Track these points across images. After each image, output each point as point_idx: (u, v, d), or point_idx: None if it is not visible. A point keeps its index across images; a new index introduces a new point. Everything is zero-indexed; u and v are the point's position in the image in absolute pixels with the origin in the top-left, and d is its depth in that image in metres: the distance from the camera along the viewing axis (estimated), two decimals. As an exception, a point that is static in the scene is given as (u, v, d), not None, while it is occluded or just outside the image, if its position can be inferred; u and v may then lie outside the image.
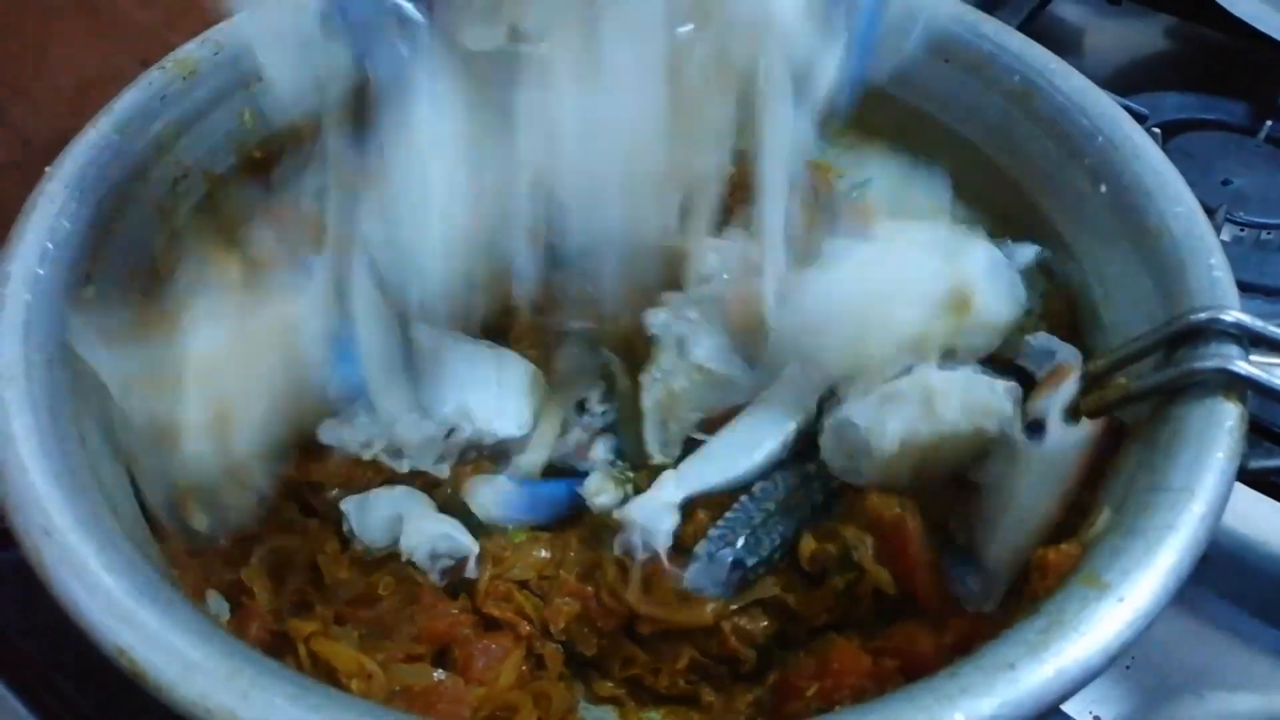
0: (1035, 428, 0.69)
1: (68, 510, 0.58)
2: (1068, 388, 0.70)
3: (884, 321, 0.69)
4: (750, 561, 0.70)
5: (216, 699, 0.51)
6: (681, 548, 0.71)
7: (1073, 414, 0.70)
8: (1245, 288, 0.95)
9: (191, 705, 0.51)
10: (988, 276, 0.73)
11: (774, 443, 0.73)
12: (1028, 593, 0.61)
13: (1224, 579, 0.82)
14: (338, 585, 0.73)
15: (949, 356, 0.71)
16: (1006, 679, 0.51)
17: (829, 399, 0.73)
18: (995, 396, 0.70)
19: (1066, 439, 0.67)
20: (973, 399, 0.69)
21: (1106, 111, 0.78)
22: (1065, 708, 0.64)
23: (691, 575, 0.70)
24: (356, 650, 0.67)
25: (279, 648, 0.68)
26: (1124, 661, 0.78)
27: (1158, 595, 0.54)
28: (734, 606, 0.70)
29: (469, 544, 0.71)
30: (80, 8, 1.04)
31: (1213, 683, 0.79)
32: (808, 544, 0.71)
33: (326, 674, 0.66)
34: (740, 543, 0.70)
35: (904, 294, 0.69)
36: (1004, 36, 0.84)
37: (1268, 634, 0.80)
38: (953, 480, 0.73)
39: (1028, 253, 0.82)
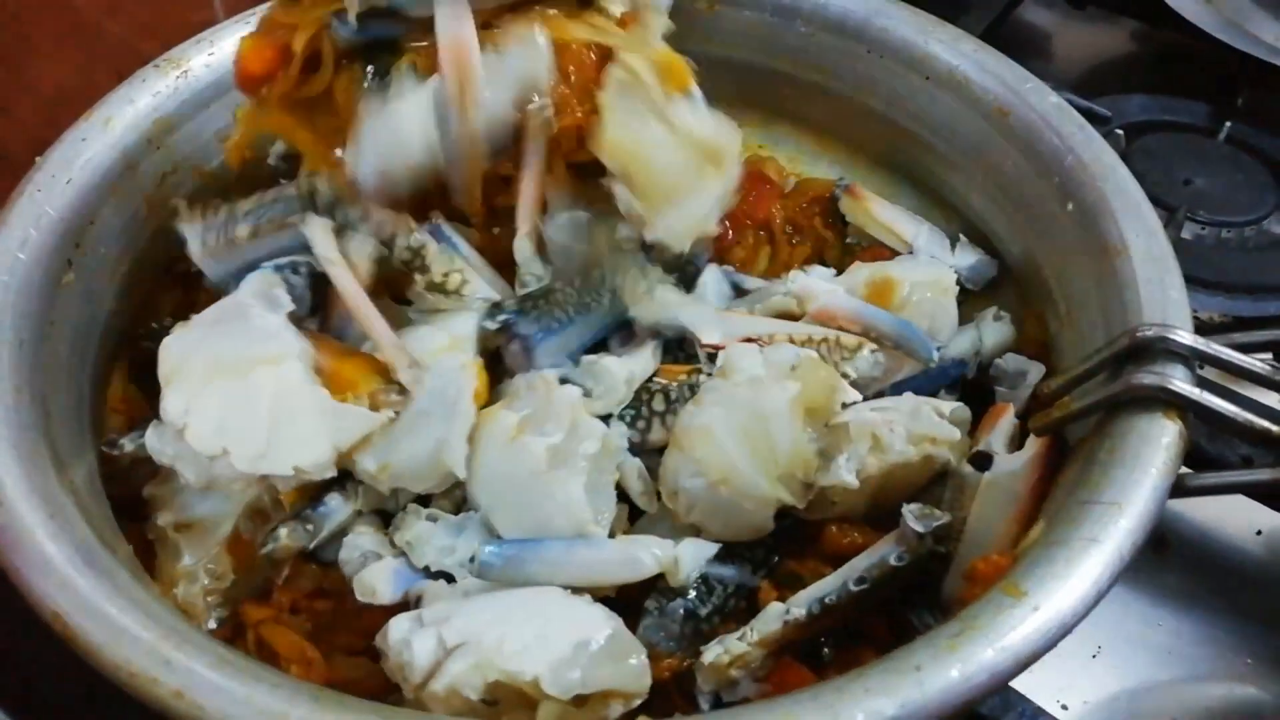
0: (981, 459, 0.69)
1: (21, 480, 0.61)
2: (1005, 423, 0.71)
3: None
4: (703, 611, 0.65)
5: (139, 664, 0.53)
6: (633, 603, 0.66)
7: (1019, 437, 0.70)
8: (1205, 285, 0.95)
9: (116, 669, 0.53)
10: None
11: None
12: (957, 602, 0.61)
13: (1190, 570, 0.82)
14: (298, 576, 0.74)
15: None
16: (912, 681, 0.51)
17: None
18: (941, 426, 0.69)
19: (1012, 465, 0.67)
20: (919, 427, 0.68)
21: (1078, 132, 0.78)
22: (1033, 695, 0.64)
23: (643, 631, 0.64)
24: (304, 639, 0.68)
25: (233, 633, 0.70)
26: (1091, 650, 0.78)
27: (1075, 605, 0.53)
28: (687, 662, 0.64)
29: None
30: (54, 22, 1.06)
31: (1179, 671, 0.78)
32: (767, 594, 0.67)
33: (271, 658, 0.67)
34: (692, 593, 0.66)
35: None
36: (982, 54, 0.85)
37: (1233, 623, 0.80)
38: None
39: (981, 264, 0.85)
